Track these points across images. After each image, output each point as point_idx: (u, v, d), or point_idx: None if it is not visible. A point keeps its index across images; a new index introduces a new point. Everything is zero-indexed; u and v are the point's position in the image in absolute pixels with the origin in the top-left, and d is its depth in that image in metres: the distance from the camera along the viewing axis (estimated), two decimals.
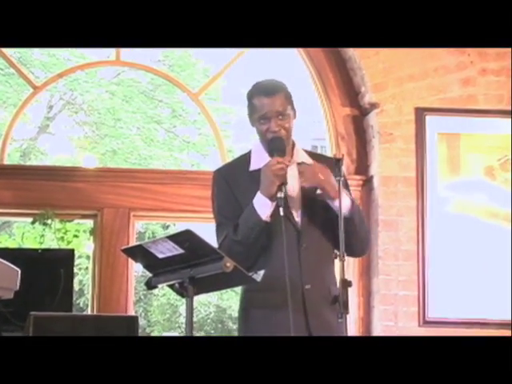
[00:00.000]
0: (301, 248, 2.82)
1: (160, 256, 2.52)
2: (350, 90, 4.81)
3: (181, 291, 2.52)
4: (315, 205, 2.87)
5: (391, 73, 4.61)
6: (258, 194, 2.78)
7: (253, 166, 2.90)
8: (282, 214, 2.67)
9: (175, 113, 13.64)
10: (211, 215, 4.51)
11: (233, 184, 2.91)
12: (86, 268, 12.31)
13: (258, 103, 2.85)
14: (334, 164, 2.82)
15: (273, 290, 2.75)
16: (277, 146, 2.81)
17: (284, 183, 2.74)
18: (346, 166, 4.72)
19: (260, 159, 2.87)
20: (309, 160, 2.93)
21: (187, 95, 5.23)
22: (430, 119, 4.60)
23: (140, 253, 2.57)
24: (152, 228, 13.65)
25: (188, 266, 2.48)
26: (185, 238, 2.42)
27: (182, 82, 5.88)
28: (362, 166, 4.75)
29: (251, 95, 2.89)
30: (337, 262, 2.77)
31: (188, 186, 4.63)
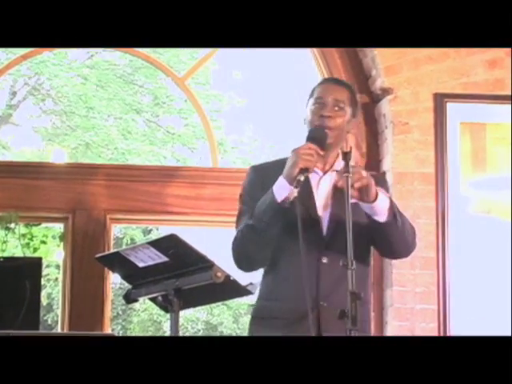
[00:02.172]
0: (320, 263, 2.95)
1: (141, 265, 2.53)
2: (358, 73, 4.82)
3: (165, 305, 2.53)
4: (349, 215, 2.91)
5: (406, 53, 4.62)
6: (279, 178, 2.92)
7: None
8: (295, 194, 2.83)
9: (158, 100, 13.64)
10: (200, 218, 4.52)
11: (266, 181, 3.01)
12: (56, 279, 12.33)
13: (320, 87, 3.13)
14: (341, 158, 2.88)
15: (286, 301, 2.90)
16: (316, 135, 2.99)
17: (308, 169, 2.88)
18: (355, 161, 4.73)
19: None
20: None
21: (172, 80, 5.24)
22: (451, 107, 4.61)
23: (118, 261, 2.58)
24: (131, 233, 13.66)
25: (173, 276, 2.49)
26: (169, 244, 2.44)
27: (166, 65, 5.88)
28: (373, 160, 4.76)
29: (318, 84, 3.18)
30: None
31: (173, 184, 4.64)
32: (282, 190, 2.90)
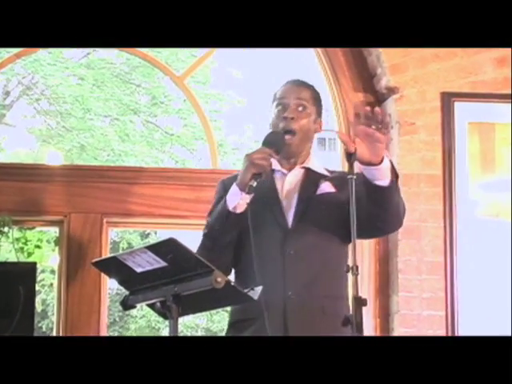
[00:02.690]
0: (286, 254, 2.98)
1: (138, 270, 2.52)
2: (363, 71, 4.82)
3: (163, 312, 2.53)
4: (317, 207, 3.05)
5: (412, 52, 4.62)
6: (233, 185, 2.95)
7: None
8: (247, 201, 2.88)
9: (156, 100, 13.66)
10: (199, 221, 4.51)
11: None
12: (51, 285, 12.33)
13: (282, 90, 3.16)
14: (345, 160, 2.87)
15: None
16: (271, 139, 2.99)
17: (261, 174, 2.89)
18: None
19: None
20: (319, 168, 3.18)
21: (170, 79, 5.23)
22: (459, 106, 4.60)
23: (114, 266, 2.57)
24: (128, 237, 13.66)
25: (171, 281, 2.49)
26: (167, 249, 2.43)
27: (164, 63, 5.88)
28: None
29: (280, 87, 3.20)
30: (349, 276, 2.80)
31: (171, 186, 4.63)
32: (234, 196, 2.92)
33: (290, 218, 3.04)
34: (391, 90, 4.66)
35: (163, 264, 2.46)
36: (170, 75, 5.23)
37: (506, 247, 4.51)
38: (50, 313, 12.77)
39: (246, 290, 2.53)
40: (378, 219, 2.96)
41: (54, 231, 4.77)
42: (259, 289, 2.58)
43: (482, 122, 4.62)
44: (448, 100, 4.60)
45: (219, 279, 2.40)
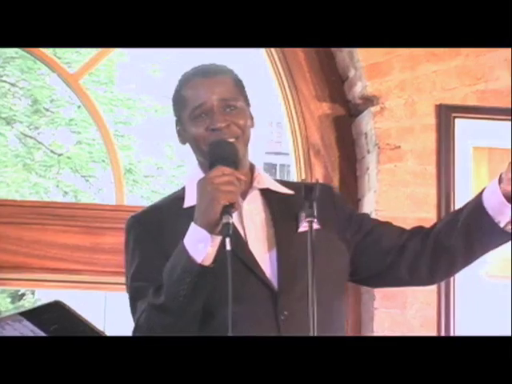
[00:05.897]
0: (279, 318, 2.93)
1: None
2: (330, 73, 4.87)
3: None
4: (304, 252, 2.92)
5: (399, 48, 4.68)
6: (191, 227, 2.85)
7: (189, 202, 3.03)
8: (228, 247, 2.75)
9: (38, 105, 13.63)
10: (97, 278, 4.49)
11: (159, 233, 3.01)
12: None
13: (191, 91, 3.05)
14: (303, 195, 2.89)
15: None
16: (222, 152, 2.94)
17: (234, 204, 2.82)
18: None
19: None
20: (279, 186, 3.15)
21: (59, 76, 5.22)
22: (461, 124, 4.66)
23: None
24: None
25: None
26: (52, 316, 2.44)
27: (51, 55, 5.88)
28: (350, 199, 4.79)
29: (180, 85, 3.11)
30: None
31: (59, 228, 4.62)
32: (201, 243, 2.84)
33: (269, 271, 2.97)
34: (368, 100, 4.71)
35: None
36: (59, 71, 5.23)
37: None
38: None
39: None
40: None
41: None
42: None
43: (492, 148, 4.67)
44: (447, 115, 4.66)
45: None
